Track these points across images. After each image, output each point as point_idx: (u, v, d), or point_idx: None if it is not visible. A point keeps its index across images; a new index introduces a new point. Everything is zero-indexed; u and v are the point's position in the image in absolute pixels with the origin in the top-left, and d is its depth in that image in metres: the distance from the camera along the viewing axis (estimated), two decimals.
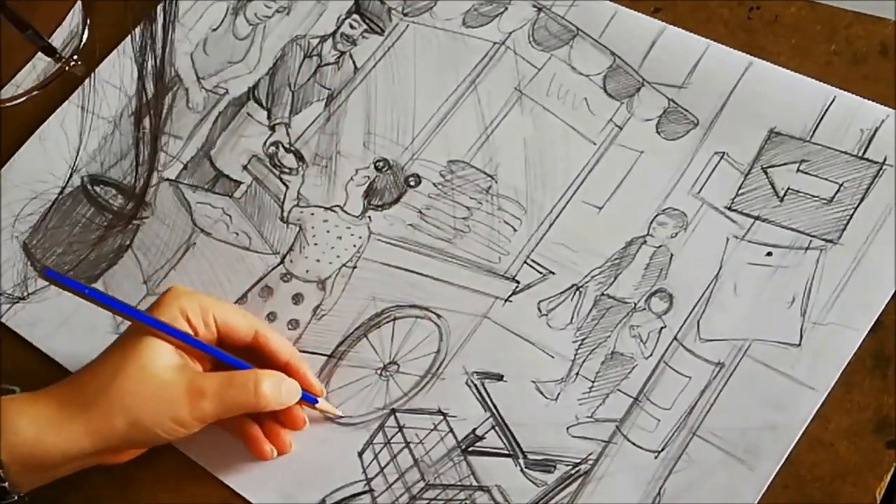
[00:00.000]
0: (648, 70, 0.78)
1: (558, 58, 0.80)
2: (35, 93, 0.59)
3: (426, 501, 0.70)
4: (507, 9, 0.82)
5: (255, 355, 0.72)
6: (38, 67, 0.68)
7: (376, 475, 0.71)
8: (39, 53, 0.64)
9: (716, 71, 0.76)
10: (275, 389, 0.69)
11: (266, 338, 0.71)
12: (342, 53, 0.84)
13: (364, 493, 0.71)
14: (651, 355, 0.71)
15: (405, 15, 0.83)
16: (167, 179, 0.84)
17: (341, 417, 0.73)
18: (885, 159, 0.71)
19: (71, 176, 0.84)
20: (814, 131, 0.73)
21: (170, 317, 0.68)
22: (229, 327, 0.71)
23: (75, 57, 0.59)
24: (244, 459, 0.73)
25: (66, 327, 0.78)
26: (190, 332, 0.69)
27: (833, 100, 0.73)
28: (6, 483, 0.65)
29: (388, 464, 0.72)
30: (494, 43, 0.81)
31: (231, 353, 0.70)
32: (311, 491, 0.71)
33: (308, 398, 0.71)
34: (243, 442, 0.72)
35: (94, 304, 0.69)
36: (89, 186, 0.84)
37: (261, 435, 0.72)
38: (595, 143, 0.77)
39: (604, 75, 0.78)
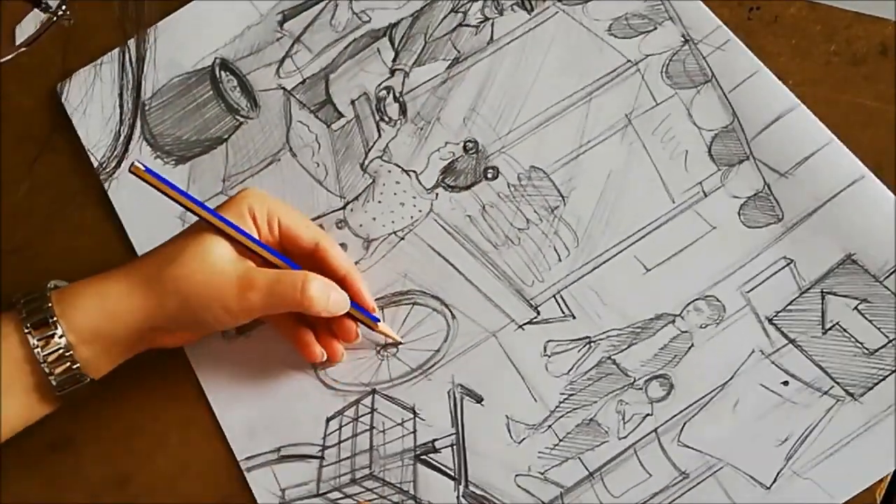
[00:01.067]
0: (760, 144, 0.84)
1: (681, 99, 0.87)
2: (23, 49, 0.69)
3: (363, 490, 0.83)
4: (656, 28, 0.90)
5: (315, 266, 0.85)
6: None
7: (332, 445, 0.86)
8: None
9: (825, 172, 0.82)
10: (322, 293, 0.82)
11: (326, 250, 0.85)
12: (486, 20, 0.95)
13: (314, 457, 0.85)
14: (625, 437, 0.80)
15: None
16: (283, 88, 0.98)
17: (402, 344, 0.87)
18: None
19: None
20: (891, 274, 0.77)
21: (237, 213, 0.84)
22: (292, 234, 0.85)
23: (63, 7, 0.69)
24: (235, 382, 0.88)
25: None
26: (254, 230, 0.84)
27: None
28: (78, 365, 0.80)
29: (347, 439, 0.85)
30: (628, 61, 0.90)
31: (293, 258, 0.85)
32: (272, 436, 0.87)
33: (369, 315, 0.86)
34: (294, 344, 0.87)
35: (167, 194, 0.83)
36: (216, 69, 1.01)
37: (312, 339, 0.87)
38: (674, 202, 0.84)
39: (715, 133, 0.85)
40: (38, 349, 0.78)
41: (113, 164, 0.96)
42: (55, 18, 0.68)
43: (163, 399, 0.89)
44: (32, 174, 0.99)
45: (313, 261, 0.86)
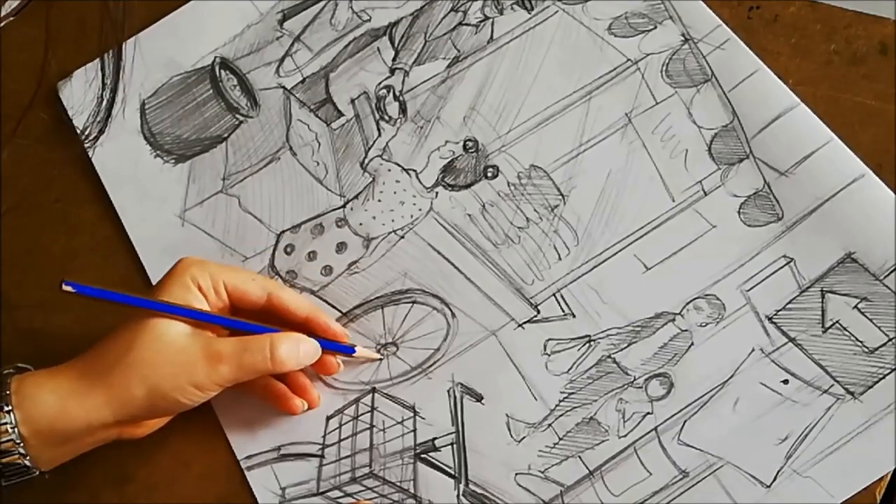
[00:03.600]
0: (760, 143, 0.85)
1: (681, 98, 0.89)
2: (10, 19, 0.69)
3: (363, 489, 0.84)
4: (656, 27, 0.91)
5: (273, 316, 0.85)
6: None
7: (332, 444, 0.87)
8: None
9: (825, 170, 0.83)
10: (292, 352, 0.82)
11: (280, 298, 0.85)
12: (486, 19, 0.97)
13: (314, 455, 0.87)
14: (625, 436, 0.81)
15: None
16: (283, 87, 1.00)
17: (381, 359, 0.88)
18: None
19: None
20: (891, 273, 0.78)
21: (181, 285, 0.83)
22: (240, 293, 0.84)
23: None
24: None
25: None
26: (202, 299, 0.84)
27: None
28: (28, 457, 0.78)
29: (347, 438, 0.87)
30: (628, 59, 0.91)
31: (248, 318, 0.85)
32: (272, 435, 0.88)
33: (344, 349, 0.87)
34: (270, 402, 0.88)
35: (112, 303, 0.82)
36: (216, 68, 1.02)
37: (287, 391, 0.87)
38: (674, 201, 0.86)
39: (715, 132, 0.87)
40: None
41: (96, 131, 0.98)
42: None
43: None
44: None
45: (269, 312, 0.85)
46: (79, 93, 1.03)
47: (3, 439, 0.77)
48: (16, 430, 0.77)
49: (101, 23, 0.79)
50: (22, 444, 0.78)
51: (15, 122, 0.98)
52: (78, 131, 1.01)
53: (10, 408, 0.78)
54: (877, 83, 0.87)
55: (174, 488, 0.88)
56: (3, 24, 0.69)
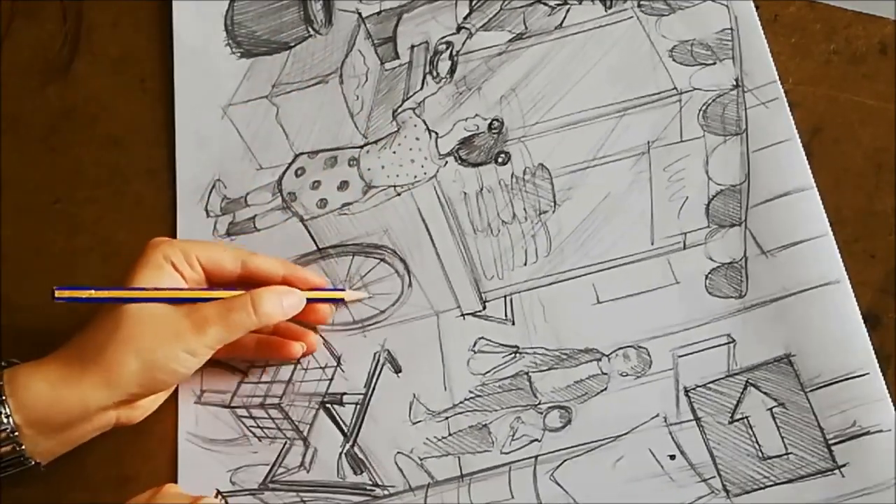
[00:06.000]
0: (757, 214, 0.86)
1: (706, 143, 0.88)
2: None
3: (266, 416, 0.89)
4: (715, 63, 0.90)
5: (250, 282, 0.88)
6: None
7: (258, 367, 0.91)
8: None
9: (806, 263, 0.84)
10: (275, 305, 0.85)
11: (255, 264, 0.88)
12: (564, 3, 0.97)
13: (239, 370, 0.92)
14: (507, 453, 0.83)
15: (640, 5, 0.94)
16: (359, 14, 1.03)
17: (369, 297, 0.92)
18: (846, 463, 0.78)
19: None
20: (816, 389, 0.77)
21: (155, 265, 0.84)
22: (215, 264, 0.87)
23: None
24: None
25: None
26: (178, 277, 0.85)
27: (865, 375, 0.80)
28: (24, 447, 0.80)
29: (272, 365, 0.90)
30: (674, 88, 0.91)
31: (226, 287, 0.87)
32: None
33: (333, 290, 0.92)
34: (268, 356, 0.91)
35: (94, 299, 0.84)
36: None
37: (280, 340, 0.91)
38: (653, 244, 0.86)
39: (721, 189, 0.85)
40: None
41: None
42: None
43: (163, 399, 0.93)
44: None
45: (246, 280, 0.88)
46: None
47: None
48: (10, 419, 0.79)
49: None
50: (17, 434, 0.80)
51: None
52: None
53: (3, 397, 0.80)
54: (876, 83, 0.88)
55: None
56: None
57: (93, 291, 0.83)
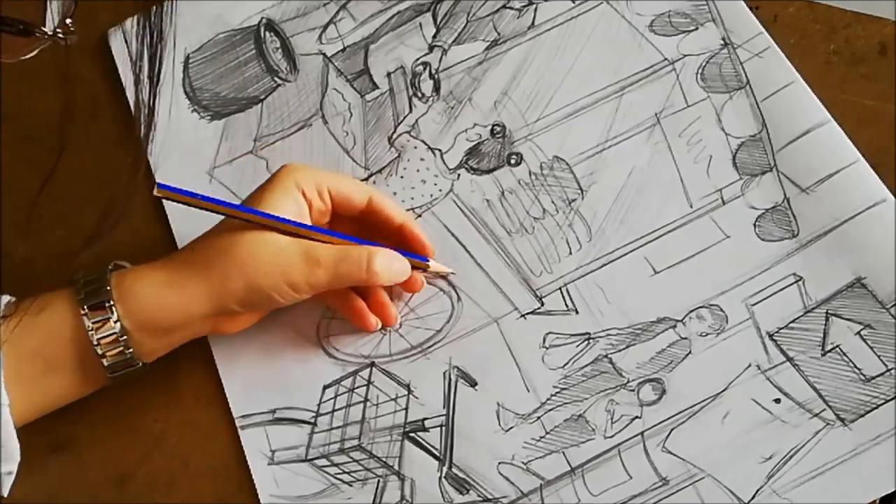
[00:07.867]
0: (785, 157, 0.86)
1: (712, 103, 0.90)
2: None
3: (350, 460, 0.87)
4: (697, 28, 0.92)
5: (371, 220, 0.90)
6: None
7: (325, 413, 0.89)
8: None
9: (848, 191, 0.84)
10: (386, 267, 0.86)
11: (381, 203, 0.89)
12: (530, 4, 0.98)
13: (306, 422, 0.89)
14: (611, 437, 0.82)
15: None
16: (323, 55, 1.02)
17: (454, 273, 0.91)
18: None
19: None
20: None
21: (283, 190, 0.86)
22: (343, 196, 0.88)
23: (60, 31, 0.67)
24: (240, 340, 0.91)
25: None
26: (304, 205, 0.87)
27: None
28: (131, 350, 0.83)
29: (340, 409, 0.89)
30: (665, 59, 0.92)
31: (347, 220, 0.89)
32: (269, 397, 0.91)
33: (420, 259, 0.90)
34: (348, 315, 0.91)
35: (209, 208, 0.85)
36: (262, 29, 1.05)
37: (366, 308, 0.91)
38: (692, 207, 0.87)
39: (742, 142, 0.87)
40: (93, 332, 0.81)
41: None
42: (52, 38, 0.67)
43: (162, 399, 0.92)
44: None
45: (368, 217, 0.89)
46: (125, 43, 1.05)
47: (107, 333, 0.82)
48: (118, 324, 0.82)
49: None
50: (125, 339, 0.82)
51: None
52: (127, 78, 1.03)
53: (111, 303, 0.82)
54: (876, 83, 0.89)
55: (173, 488, 0.90)
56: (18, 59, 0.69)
57: (197, 199, 0.83)
